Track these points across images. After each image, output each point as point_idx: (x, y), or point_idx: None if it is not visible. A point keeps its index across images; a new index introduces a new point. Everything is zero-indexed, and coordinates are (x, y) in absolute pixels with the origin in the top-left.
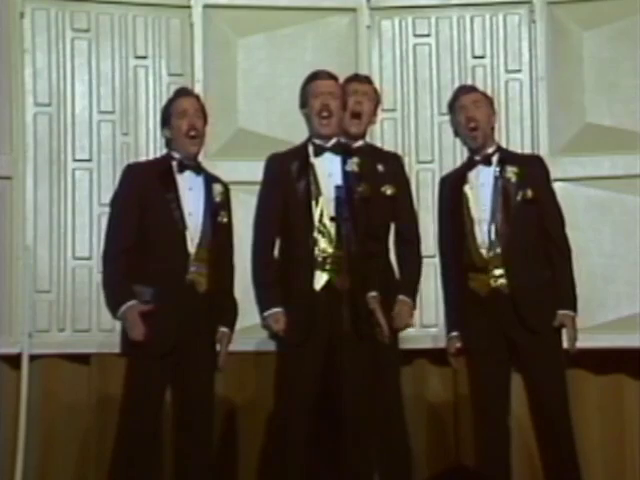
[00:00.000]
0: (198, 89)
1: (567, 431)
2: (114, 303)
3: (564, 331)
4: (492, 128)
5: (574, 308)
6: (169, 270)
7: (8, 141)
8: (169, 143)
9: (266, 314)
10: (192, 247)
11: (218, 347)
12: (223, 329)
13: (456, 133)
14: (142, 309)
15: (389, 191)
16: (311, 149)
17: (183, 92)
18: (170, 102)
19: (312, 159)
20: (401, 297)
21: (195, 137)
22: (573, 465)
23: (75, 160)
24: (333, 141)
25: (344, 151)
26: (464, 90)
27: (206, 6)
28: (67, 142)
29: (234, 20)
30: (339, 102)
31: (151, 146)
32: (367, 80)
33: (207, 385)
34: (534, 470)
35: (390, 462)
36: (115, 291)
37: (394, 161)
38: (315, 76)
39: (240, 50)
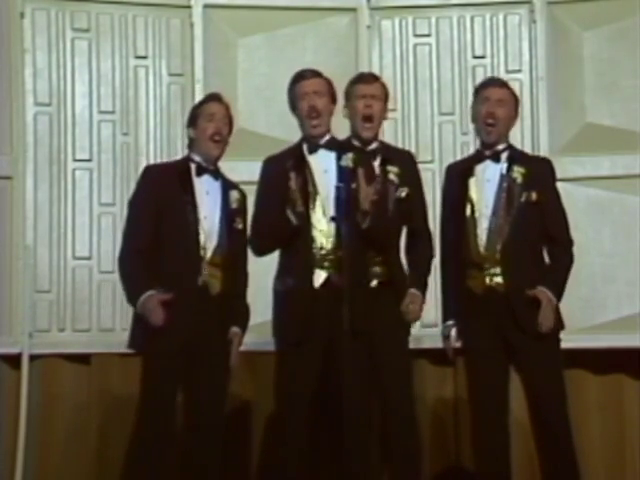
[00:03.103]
0: (198, 89)
1: (565, 432)
2: (134, 294)
3: (540, 311)
4: (508, 128)
5: (555, 292)
6: (183, 272)
7: (8, 141)
8: (191, 144)
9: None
10: (207, 250)
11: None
12: (235, 329)
13: (473, 118)
14: (162, 298)
15: (404, 193)
16: (305, 147)
17: (215, 97)
18: (200, 104)
19: (307, 157)
20: (412, 290)
21: (219, 141)
22: (571, 466)
23: (75, 160)
24: (327, 137)
25: (338, 147)
26: (495, 83)
27: (206, 6)
28: (67, 142)
29: (234, 20)
30: (327, 98)
31: (151, 146)
32: (374, 79)
33: (219, 386)
34: (534, 471)
35: (399, 463)
36: (134, 283)
37: (406, 160)
38: (299, 77)
39: (240, 50)
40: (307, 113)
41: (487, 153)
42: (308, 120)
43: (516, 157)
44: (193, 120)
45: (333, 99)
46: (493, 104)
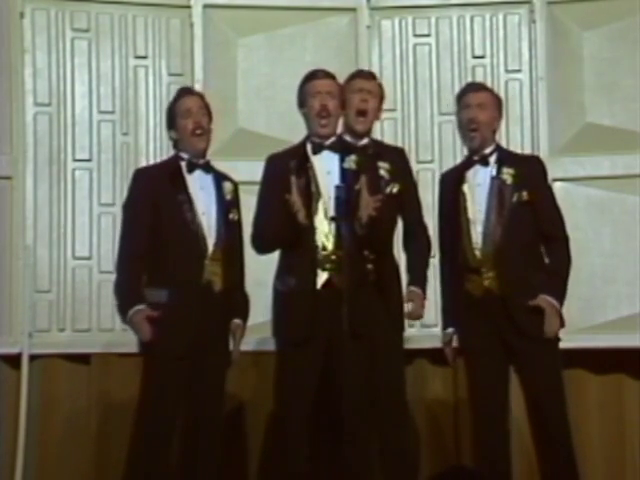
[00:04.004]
0: (198, 89)
1: (564, 433)
2: (123, 307)
3: (545, 319)
4: (494, 130)
5: (557, 296)
6: (186, 271)
7: (8, 141)
8: (176, 144)
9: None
10: (208, 247)
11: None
12: (236, 321)
13: (458, 126)
14: (149, 314)
15: (395, 189)
16: (309, 147)
17: (186, 91)
18: (174, 102)
19: (311, 157)
20: (411, 288)
21: (201, 134)
22: (570, 467)
23: (75, 160)
24: (332, 139)
25: (343, 149)
26: (473, 88)
27: (206, 6)
28: (67, 142)
29: (234, 20)
30: (337, 101)
31: (151, 146)
32: (372, 76)
33: (220, 385)
34: (533, 472)
35: (393, 463)
36: (125, 296)
37: (398, 156)
38: (313, 75)
39: (240, 50)
40: (318, 112)
41: (475, 158)
42: (317, 119)
43: (504, 158)
44: (171, 121)
45: (342, 104)
46: (474, 110)
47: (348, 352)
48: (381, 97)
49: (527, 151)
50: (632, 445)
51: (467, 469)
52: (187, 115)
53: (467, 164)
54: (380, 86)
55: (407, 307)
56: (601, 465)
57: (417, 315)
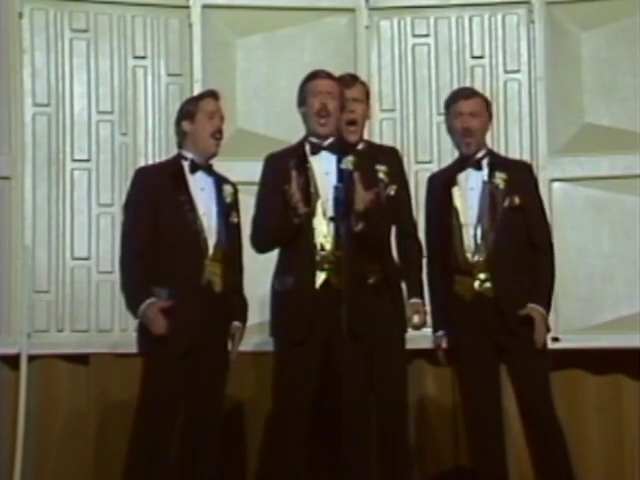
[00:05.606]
0: (197, 89)
1: (556, 433)
2: (134, 303)
3: (535, 328)
4: (485, 134)
5: (545, 306)
6: (186, 271)
7: (7, 141)
8: (183, 138)
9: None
10: (209, 247)
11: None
12: (236, 324)
13: (449, 130)
14: (162, 305)
15: (392, 191)
16: (308, 147)
17: (213, 94)
18: (198, 100)
19: (309, 157)
20: (413, 300)
21: (219, 139)
22: (565, 466)
23: (74, 160)
24: (330, 140)
25: (340, 150)
26: (463, 95)
27: (205, 6)
28: (66, 142)
29: (233, 20)
30: (337, 102)
31: (150, 146)
32: (353, 81)
33: (220, 386)
34: (529, 472)
35: (392, 462)
36: (134, 291)
37: (393, 158)
38: (314, 75)
39: (239, 50)
40: (317, 111)
41: (468, 161)
42: (317, 118)
43: (496, 163)
44: (190, 115)
45: (342, 106)
46: (467, 118)
47: (347, 352)
48: (367, 96)
49: (526, 151)
50: (631, 445)
51: (467, 469)
52: (211, 116)
53: (458, 167)
54: (364, 85)
55: (413, 319)
56: (600, 465)
57: (422, 324)
